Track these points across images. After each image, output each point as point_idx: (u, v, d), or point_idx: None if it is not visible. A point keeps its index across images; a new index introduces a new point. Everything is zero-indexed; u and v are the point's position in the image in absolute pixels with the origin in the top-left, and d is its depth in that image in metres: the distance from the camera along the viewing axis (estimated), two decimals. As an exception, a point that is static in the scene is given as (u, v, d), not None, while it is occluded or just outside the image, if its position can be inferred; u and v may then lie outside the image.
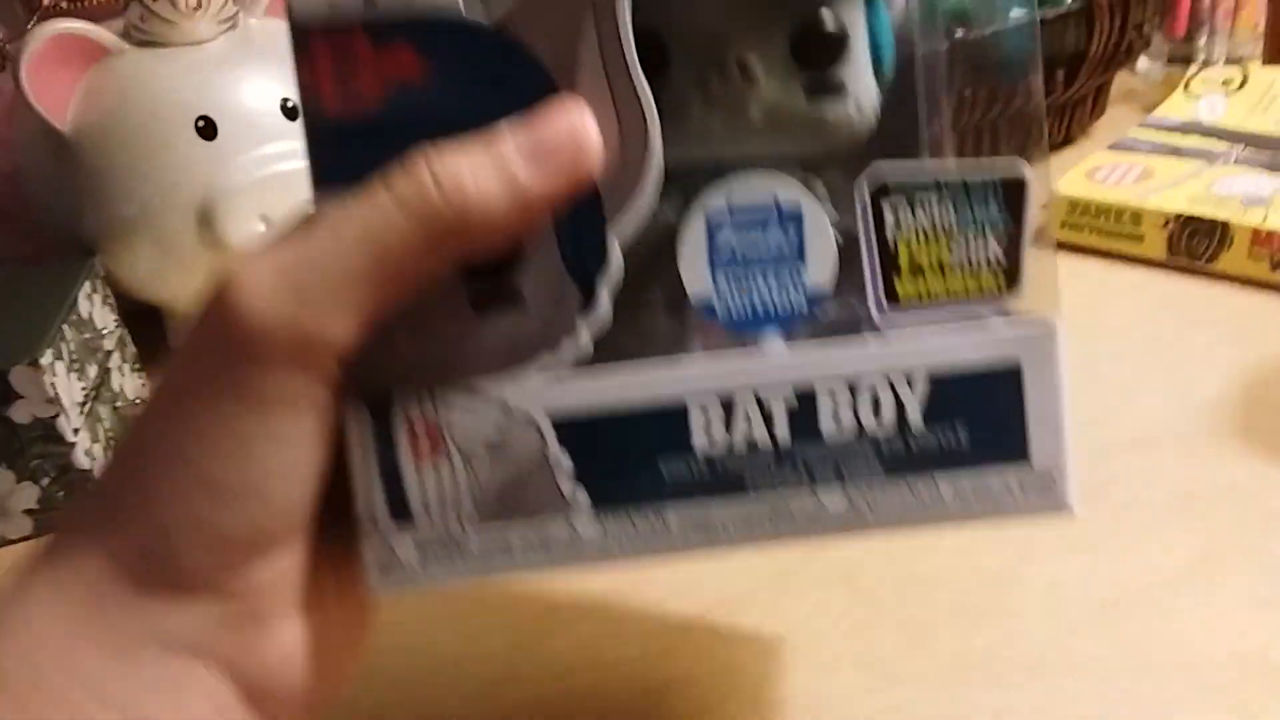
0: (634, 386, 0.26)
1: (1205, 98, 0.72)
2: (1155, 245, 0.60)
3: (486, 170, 0.23)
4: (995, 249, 0.26)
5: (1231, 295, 0.57)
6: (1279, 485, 0.43)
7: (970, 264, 0.26)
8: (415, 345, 0.25)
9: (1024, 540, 0.42)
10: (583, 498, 0.26)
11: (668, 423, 0.26)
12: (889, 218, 0.26)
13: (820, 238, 0.26)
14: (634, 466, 0.26)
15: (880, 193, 0.26)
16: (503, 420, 0.25)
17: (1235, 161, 0.64)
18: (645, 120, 0.24)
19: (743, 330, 0.26)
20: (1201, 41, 0.90)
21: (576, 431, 0.25)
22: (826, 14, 0.27)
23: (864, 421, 0.26)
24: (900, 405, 0.26)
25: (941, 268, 0.26)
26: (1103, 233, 0.62)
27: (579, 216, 0.25)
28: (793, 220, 0.26)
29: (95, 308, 0.55)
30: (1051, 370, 0.26)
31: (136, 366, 0.59)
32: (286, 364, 0.23)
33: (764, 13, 0.27)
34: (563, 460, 0.26)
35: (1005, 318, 0.26)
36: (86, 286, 0.54)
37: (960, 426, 0.26)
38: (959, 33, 0.69)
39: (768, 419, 0.26)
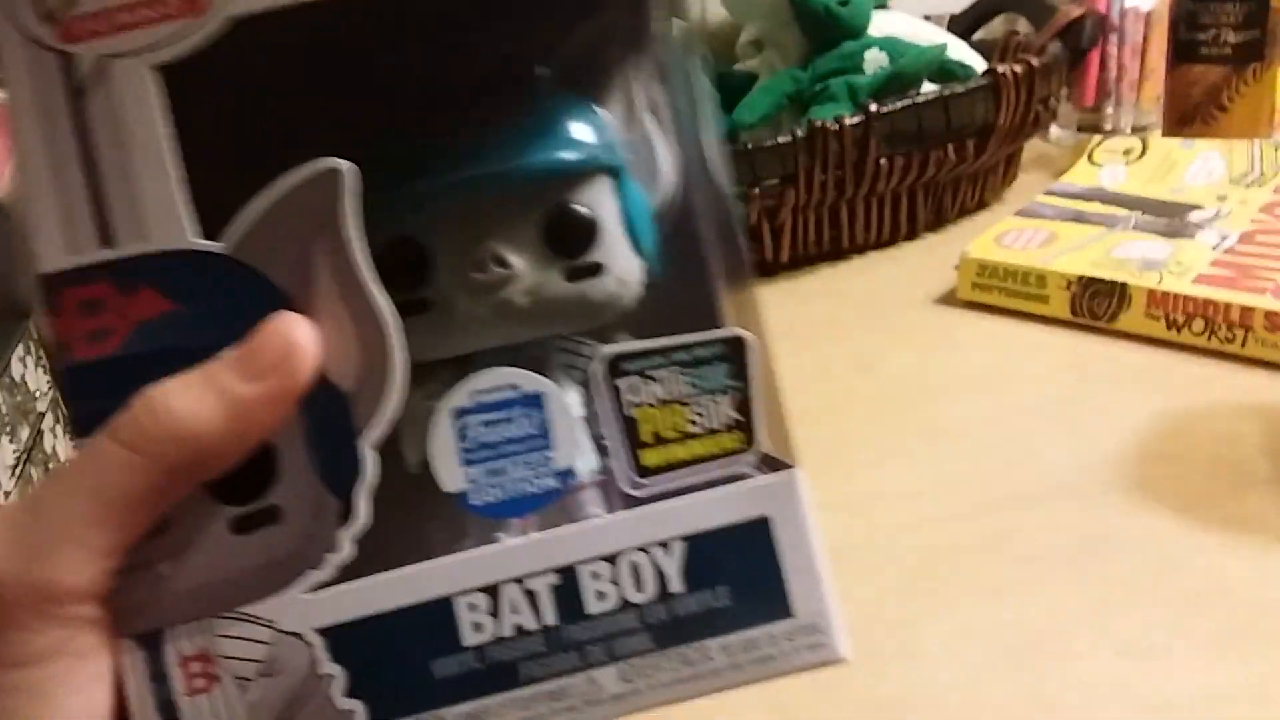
0: (398, 590, 0.26)
1: (1107, 166, 0.76)
2: (1059, 305, 0.63)
3: (199, 389, 0.24)
4: (729, 410, 0.27)
5: (1131, 353, 0.61)
6: (1169, 535, 0.46)
7: (708, 427, 0.27)
8: (179, 576, 0.25)
9: (930, 590, 0.44)
10: (360, 712, 0.26)
11: (435, 622, 0.26)
12: (626, 393, 0.27)
13: (564, 420, 0.27)
14: (407, 671, 0.26)
15: (614, 371, 0.27)
16: (273, 641, 0.25)
17: (1134, 227, 0.67)
18: (384, 329, 0.25)
19: (499, 517, 0.27)
20: (1109, 110, 0.95)
21: (347, 643, 0.25)
22: (573, 202, 0.28)
23: (628, 595, 0.26)
24: (661, 574, 0.26)
25: (682, 434, 0.27)
26: (1010, 293, 0.65)
27: (330, 429, 0.25)
28: (535, 408, 0.27)
29: (29, 370, 0.55)
30: (799, 518, 0.26)
31: (69, 428, 0.59)
32: (31, 619, 0.23)
33: (515, 206, 0.28)
34: (336, 674, 0.25)
35: (749, 474, 0.27)
36: (20, 349, 0.55)
37: (721, 587, 0.26)
38: (874, 107, 0.73)
39: (533, 604, 0.26)
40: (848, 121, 0.70)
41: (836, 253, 0.78)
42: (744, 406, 0.27)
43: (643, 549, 0.26)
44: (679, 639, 0.26)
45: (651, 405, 0.27)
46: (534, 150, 0.28)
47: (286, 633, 0.25)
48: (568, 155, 0.28)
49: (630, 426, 0.27)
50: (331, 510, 0.25)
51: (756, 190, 0.71)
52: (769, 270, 0.77)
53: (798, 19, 0.79)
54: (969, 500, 0.49)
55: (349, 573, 0.25)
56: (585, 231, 0.28)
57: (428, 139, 0.28)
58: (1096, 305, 0.62)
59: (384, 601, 0.26)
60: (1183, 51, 0.79)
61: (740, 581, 0.26)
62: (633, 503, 0.27)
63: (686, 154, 0.30)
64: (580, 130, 0.29)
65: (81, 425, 0.25)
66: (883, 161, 0.72)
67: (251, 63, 0.26)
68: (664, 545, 0.26)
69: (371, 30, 0.26)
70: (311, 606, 0.25)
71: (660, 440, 0.27)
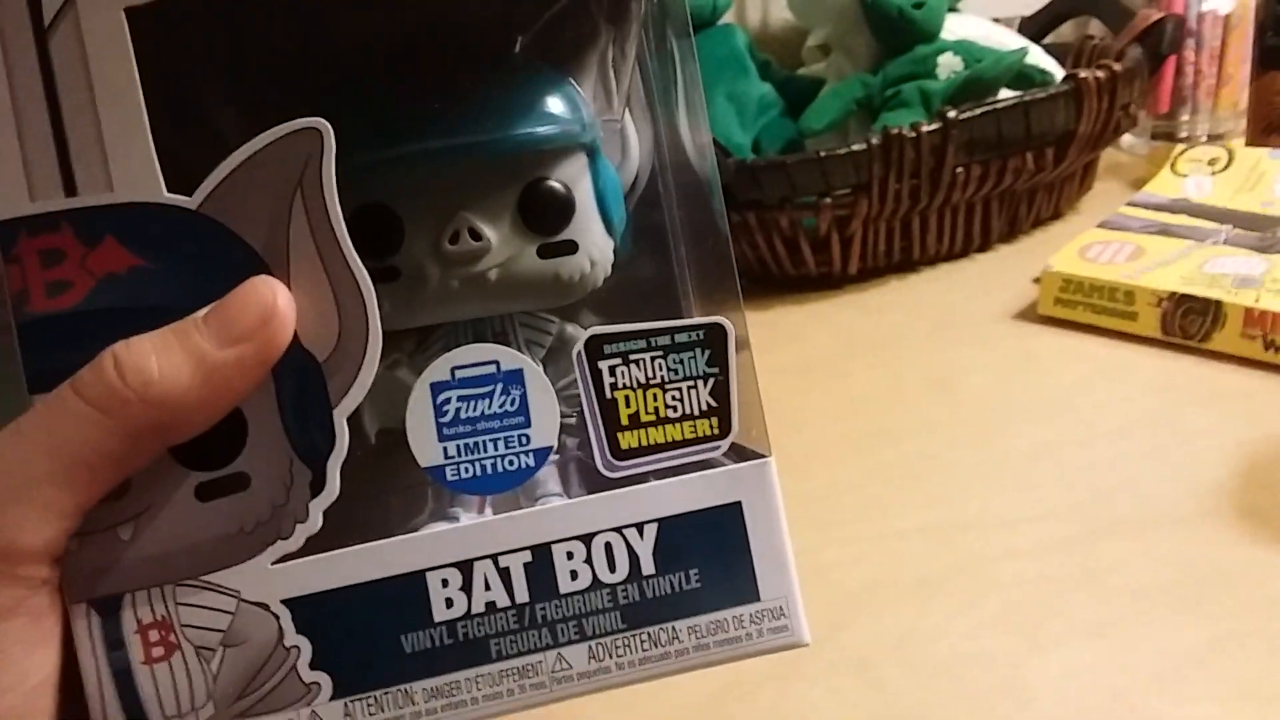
0: (369, 564, 0.25)
1: (1192, 177, 0.73)
2: (1149, 323, 0.61)
3: (172, 351, 0.23)
4: (706, 397, 0.27)
5: (1226, 374, 0.58)
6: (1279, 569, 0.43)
7: (685, 412, 0.27)
8: (140, 541, 0.25)
9: (1033, 627, 0.42)
10: (325, 684, 0.25)
11: (407, 596, 0.26)
12: (606, 376, 0.27)
13: (543, 399, 0.26)
14: (376, 645, 0.25)
15: (596, 353, 0.27)
16: (237, 611, 0.25)
17: (1225, 241, 0.65)
18: (362, 297, 0.25)
19: (474, 494, 0.27)
20: (1184, 118, 0.93)
21: (314, 615, 0.25)
22: (550, 178, 0.28)
23: (600, 574, 0.26)
24: (634, 555, 0.26)
25: (659, 418, 0.27)
26: (1097, 310, 0.63)
27: (304, 397, 0.25)
28: (515, 384, 0.26)
29: None
30: (769, 504, 0.27)
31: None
32: None
33: (491, 180, 0.28)
34: (302, 647, 0.25)
35: (723, 460, 0.27)
36: None
37: (692, 570, 0.27)
38: (952, 113, 0.70)
39: (506, 581, 0.26)
40: (924, 129, 0.67)
41: (906, 264, 0.76)
42: (721, 393, 0.27)
43: (617, 530, 0.26)
44: (649, 619, 0.26)
45: (631, 388, 0.27)
46: (514, 123, 0.28)
47: (251, 603, 0.25)
48: (548, 130, 0.28)
49: (610, 408, 0.27)
50: (302, 480, 0.25)
51: (828, 200, 0.69)
52: (837, 282, 0.75)
53: (869, 22, 0.77)
54: (1067, 529, 0.47)
55: (314, 545, 0.25)
56: (562, 209, 0.28)
57: (404, 104, 0.27)
58: (1189, 324, 0.59)
59: (354, 574, 0.25)
60: (1269, 58, 0.76)
61: (710, 564, 0.27)
62: (605, 484, 0.27)
63: (659, 134, 0.30)
64: (559, 105, 0.28)
65: (38, 381, 0.24)
66: (959, 170, 0.70)
67: (227, 15, 0.25)
68: (638, 527, 0.26)
69: None
70: (278, 577, 0.25)
71: (637, 423, 0.27)
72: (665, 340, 0.27)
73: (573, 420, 0.28)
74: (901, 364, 0.64)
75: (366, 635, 0.25)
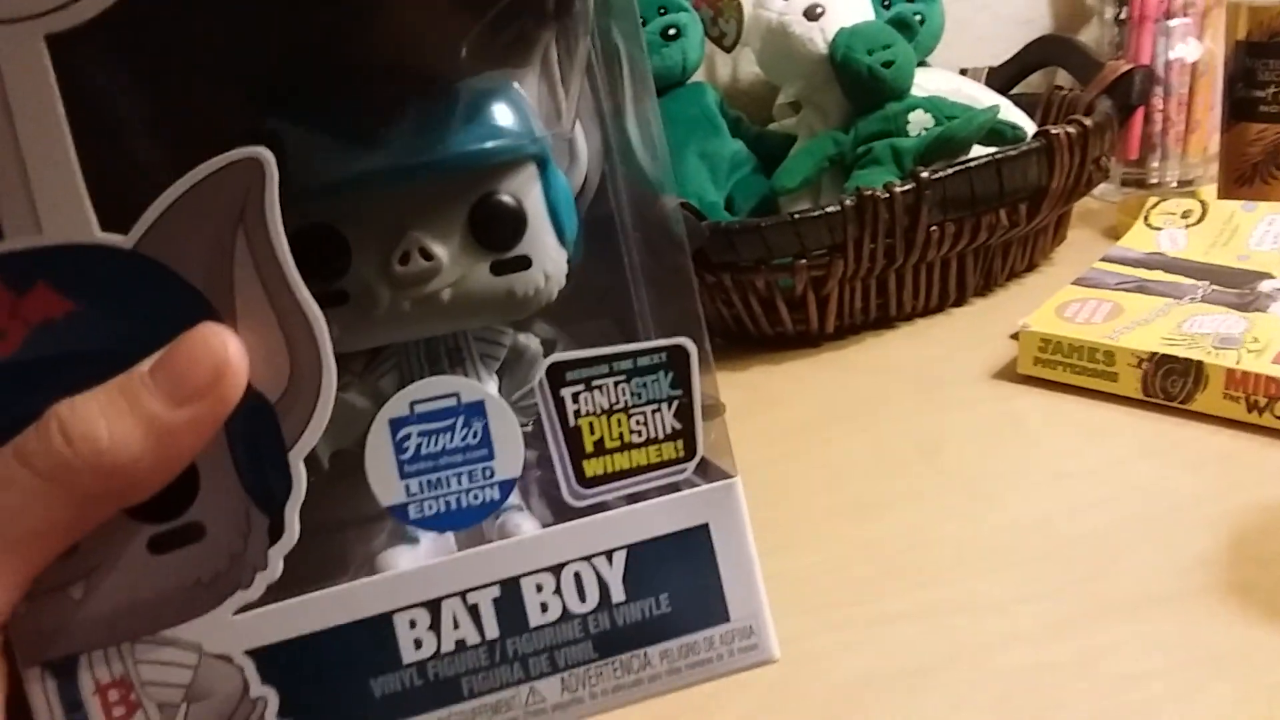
0: (334, 608, 0.25)
1: (1166, 230, 0.73)
2: (1130, 384, 0.60)
3: (121, 413, 0.22)
4: (670, 420, 0.27)
5: (1211, 436, 0.57)
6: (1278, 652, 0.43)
7: (650, 436, 0.27)
8: (93, 599, 0.24)
9: (1030, 721, 0.40)
10: None
11: (374, 639, 0.25)
12: (570, 404, 0.26)
13: (506, 431, 0.26)
14: (344, 691, 0.25)
15: (558, 381, 0.26)
16: (199, 665, 0.24)
17: (1203, 299, 0.64)
18: (313, 332, 0.24)
19: (439, 531, 0.26)
20: (1154, 164, 0.93)
21: (279, 664, 0.25)
22: (501, 192, 0.27)
23: (570, 605, 0.26)
24: (603, 583, 0.26)
25: (624, 444, 0.27)
26: (1075, 370, 0.62)
27: (257, 441, 0.24)
28: (477, 417, 0.26)
29: None
30: (736, 525, 0.27)
31: None
32: None
33: (440, 197, 0.27)
34: (269, 698, 0.25)
35: (688, 482, 0.27)
36: None
37: (662, 595, 0.27)
38: (924, 173, 0.70)
39: (475, 618, 0.26)
40: (898, 189, 0.67)
41: (884, 321, 0.75)
42: (685, 415, 0.27)
43: (585, 559, 0.26)
44: (620, 647, 0.26)
45: (595, 415, 0.27)
46: (462, 139, 0.27)
47: (214, 656, 0.24)
48: (498, 145, 0.27)
49: (574, 437, 0.26)
50: (260, 527, 0.24)
51: (804, 260, 0.68)
52: (814, 340, 0.74)
53: (839, 80, 0.77)
54: (1060, 611, 0.46)
55: (274, 590, 0.24)
56: (514, 224, 0.27)
57: (345, 124, 0.26)
58: (1170, 385, 0.59)
59: (319, 620, 0.25)
60: (1240, 109, 0.76)
61: (680, 588, 0.27)
62: (571, 513, 0.27)
63: (607, 137, 0.30)
64: (507, 116, 0.27)
65: None
66: (933, 229, 0.69)
67: (155, 38, 0.24)
68: (607, 555, 0.26)
69: (283, 4, 0.25)
70: (240, 627, 0.24)
71: (602, 450, 0.27)
72: (628, 364, 0.27)
73: (529, 428, 0.27)
74: (883, 429, 0.63)
75: (334, 681, 0.25)
